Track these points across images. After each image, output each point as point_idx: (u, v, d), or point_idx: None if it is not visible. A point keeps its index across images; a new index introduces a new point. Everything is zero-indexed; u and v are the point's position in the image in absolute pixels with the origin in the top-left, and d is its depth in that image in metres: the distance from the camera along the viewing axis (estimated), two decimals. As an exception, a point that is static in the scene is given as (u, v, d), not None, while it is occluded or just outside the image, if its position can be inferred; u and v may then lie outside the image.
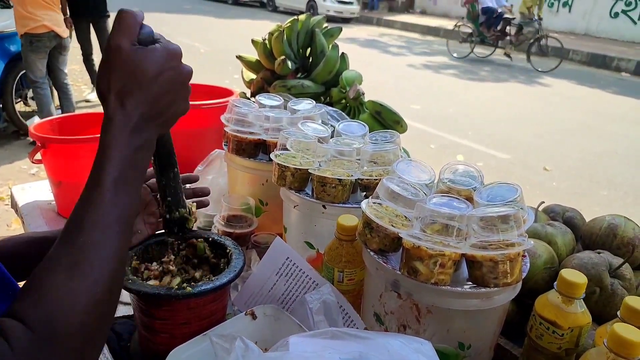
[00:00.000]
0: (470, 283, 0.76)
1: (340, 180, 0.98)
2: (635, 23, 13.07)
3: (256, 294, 0.96)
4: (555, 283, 0.82)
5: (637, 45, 12.44)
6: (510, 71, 9.73)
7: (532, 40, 10.33)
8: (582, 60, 10.93)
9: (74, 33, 5.60)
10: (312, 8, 14.98)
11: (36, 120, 4.27)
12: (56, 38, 4.40)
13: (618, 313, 0.77)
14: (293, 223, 1.10)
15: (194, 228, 1.17)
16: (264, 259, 0.96)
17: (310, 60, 1.81)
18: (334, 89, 1.71)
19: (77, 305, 0.53)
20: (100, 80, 0.61)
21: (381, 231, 0.80)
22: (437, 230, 0.75)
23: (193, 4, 16.98)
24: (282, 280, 0.94)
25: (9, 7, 4.85)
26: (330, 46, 1.78)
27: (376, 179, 1.00)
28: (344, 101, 1.67)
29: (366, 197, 1.02)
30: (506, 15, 10.56)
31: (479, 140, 5.69)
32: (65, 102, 4.77)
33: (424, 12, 17.46)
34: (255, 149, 1.22)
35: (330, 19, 1.87)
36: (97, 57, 5.96)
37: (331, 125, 1.28)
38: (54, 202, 1.57)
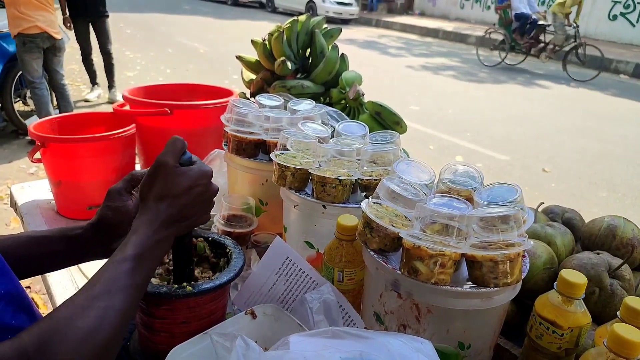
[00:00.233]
0: (470, 283, 0.76)
1: (340, 180, 0.98)
2: (633, 26, 13.10)
3: (256, 294, 0.96)
4: (556, 283, 0.82)
5: (636, 48, 12.47)
6: (509, 73, 9.74)
7: (569, 49, 9.61)
8: (580, 63, 10.94)
9: (72, 33, 5.60)
10: (311, 9, 14.98)
11: (35, 119, 4.27)
12: (50, 39, 4.36)
13: (618, 313, 0.77)
14: (293, 223, 1.10)
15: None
16: (264, 259, 0.96)
17: (310, 60, 1.81)
18: (333, 90, 1.71)
19: (74, 337, 0.59)
20: (145, 184, 0.75)
21: (381, 231, 0.80)
22: (437, 230, 0.75)
23: (192, 4, 17.00)
24: (282, 280, 0.94)
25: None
26: (330, 47, 1.78)
27: (376, 179, 1.01)
28: (343, 102, 1.67)
29: (366, 197, 1.02)
30: (541, 22, 9.91)
31: (478, 141, 5.70)
32: (63, 102, 4.76)
33: (423, 14, 17.49)
34: (255, 149, 1.22)
35: (329, 20, 1.87)
36: (96, 56, 5.96)
37: (331, 126, 1.28)
38: (54, 202, 1.57)
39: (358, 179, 1.02)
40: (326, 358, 0.60)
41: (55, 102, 4.91)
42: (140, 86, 1.85)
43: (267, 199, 1.25)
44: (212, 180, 0.80)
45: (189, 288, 0.81)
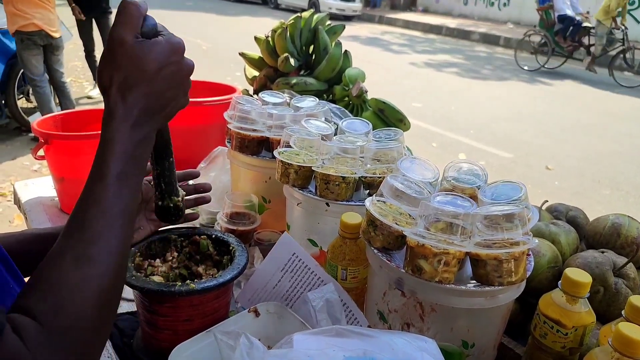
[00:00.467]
0: (474, 282, 0.76)
1: (343, 177, 0.98)
2: (638, 22, 13.01)
3: (260, 291, 0.96)
4: (560, 282, 0.81)
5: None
6: (512, 70, 9.70)
7: (615, 53, 8.83)
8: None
9: (76, 30, 5.59)
10: (314, 5, 14.93)
11: (38, 116, 4.27)
12: (47, 37, 4.33)
13: (622, 312, 0.77)
14: (296, 220, 1.10)
15: (196, 225, 1.18)
16: (270, 255, 0.96)
17: (313, 57, 1.81)
18: (337, 87, 1.71)
19: (86, 296, 0.54)
20: (102, 73, 0.60)
21: (385, 229, 0.80)
22: (441, 229, 0.75)
23: (195, 1, 16.97)
24: (287, 277, 0.94)
25: None
26: (334, 43, 1.77)
27: (380, 177, 1.00)
28: (346, 99, 1.67)
29: (370, 194, 1.02)
30: (585, 24, 9.17)
31: (481, 138, 5.69)
32: (63, 99, 4.75)
33: (426, 10, 17.42)
34: (258, 146, 1.22)
35: (332, 16, 1.87)
36: (99, 53, 5.95)
37: (334, 123, 1.28)
38: (57, 199, 1.57)
39: (361, 176, 1.02)
40: (330, 356, 0.60)
41: (57, 99, 4.91)
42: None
43: (270, 196, 1.25)
44: (184, 55, 0.66)
45: (192, 286, 0.81)
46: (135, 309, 0.93)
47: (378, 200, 0.83)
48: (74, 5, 5.20)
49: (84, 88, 6.42)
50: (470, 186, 0.91)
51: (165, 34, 0.64)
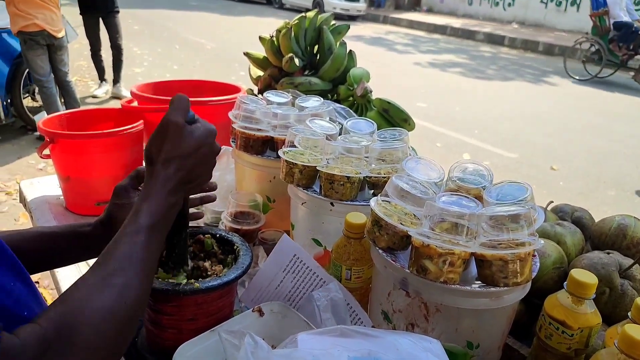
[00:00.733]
0: (479, 282, 0.75)
1: (348, 177, 0.98)
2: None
3: (263, 291, 0.96)
4: (566, 283, 0.81)
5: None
6: (517, 70, 9.66)
7: None
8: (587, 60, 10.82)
9: (81, 29, 5.61)
10: (318, 5, 14.93)
11: (44, 115, 4.29)
12: (50, 37, 4.32)
13: (629, 314, 0.76)
14: (300, 220, 1.10)
15: (201, 224, 1.18)
16: (271, 256, 0.96)
17: (318, 57, 1.81)
18: (341, 87, 1.70)
19: (93, 320, 0.57)
20: (152, 145, 0.72)
21: (390, 229, 0.80)
22: (446, 229, 0.74)
23: (199, 0, 17.01)
24: (289, 278, 0.94)
25: None
26: (338, 43, 1.77)
27: (384, 177, 1.00)
28: (351, 99, 1.66)
29: (374, 194, 1.02)
30: None
31: (486, 138, 5.67)
32: (68, 99, 4.76)
33: (430, 10, 17.38)
34: (262, 145, 1.22)
35: (336, 16, 1.86)
36: (104, 53, 5.97)
37: (339, 123, 1.28)
38: (62, 197, 1.58)
39: (366, 176, 1.02)
40: (335, 356, 0.60)
41: (62, 99, 4.92)
42: (148, 82, 1.85)
43: (275, 196, 1.25)
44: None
45: (197, 285, 0.81)
46: (140, 308, 0.93)
47: (383, 200, 0.83)
48: None
49: (89, 87, 6.44)
50: (475, 186, 0.90)
51: (200, 121, 0.75)
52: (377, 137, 1.15)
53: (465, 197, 0.81)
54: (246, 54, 1.90)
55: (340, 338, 0.64)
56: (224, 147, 1.50)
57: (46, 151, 1.47)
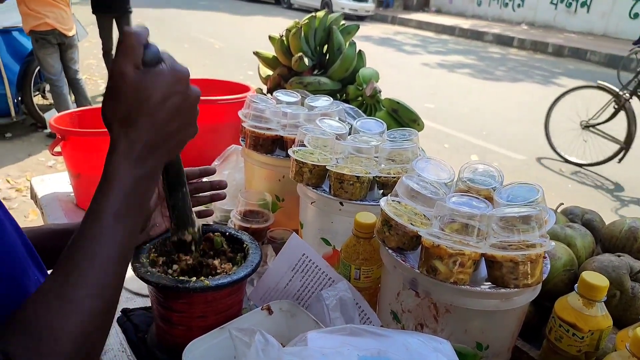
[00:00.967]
0: (488, 283, 0.75)
1: (358, 177, 0.98)
2: (655, 24, 12.80)
3: (272, 289, 0.97)
4: (576, 285, 0.81)
5: (658, 47, 12.18)
6: (526, 71, 9.60)
7: None
8: (600, 62, 10.76)
9: (91, 28, 5.64)
10: (327, 5, 14.92)
11: (54, 113, 4.32)
12: (61, 36, 4.36)
13: (640, 317, 0.76)
14: (309, 219, 1.10)
15: (210, 222, 1.18)
16: (280, 255, 0.96)
17: (327, 57, 1.81)
18: (350, 87, 1.71)
19: (63, 340, 0.51)
20: (105, 107, 0.58)
21: (400, 229, 0.80)
22: (456, 230, 0.74)
23: (209, 0, 17.07)
24: (298, 276, 0.95)
25: None
26: (348, 43, 1.77)
27: (394, 177, 1.00)
28: (360, 98, 1.67)
29: (384, 194, 1.02)
30: None
31: (494, 140, 5.65)
32: (78, 97, 4.80)
33: (439, 11, 17.32)
34: (272, 144, 1.22)
35: (344, 16, 1.86)
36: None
37: (348, 123, 1.28)
38: (73, 194, 1.59)
39: (376, 176, 1.02)
40: (344, 355, 0.60)
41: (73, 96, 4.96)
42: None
43: (284, 195, 1.25)
44: (189, 84, 0.62)
45: (207, 282, 0.82)
46: (150, 305, 0.93)
47: (393, 200, 0.83)
48: None
49: (98, 86, 6.49)
50: (485, 187, 0.90)
51: (168, 61, 0.60)
52: (386, 137, 1.15)
53: (476, 197, 0.81)
54: (256, 53, 1.90)
55: (350, 337, 0.64)
56: (233, 146, 1.51)
57: (57, 148, 1.48)
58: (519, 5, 14.98)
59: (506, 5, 15.32)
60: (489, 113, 6.60)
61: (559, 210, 1.23)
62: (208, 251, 0.97)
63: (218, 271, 0.90)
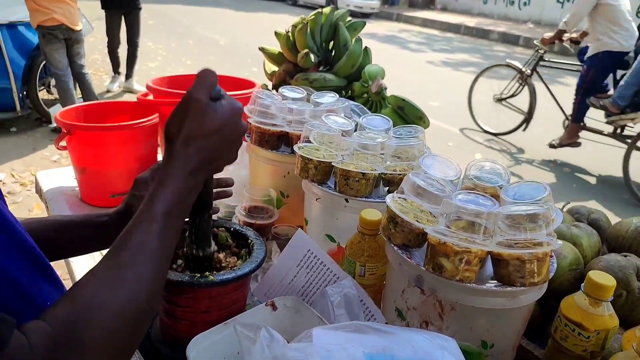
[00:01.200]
0: (494, 281, 0.75)
1: (364, 174, 0.97)
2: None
3: (276, 285, 0.97)
4: (583, 285, 0.80)
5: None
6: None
7: None
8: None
9: (96, 23, 5.63)
10: (332, 2, 14.90)
11: (59, 108, 4.33)
12: (68, 31, 4.36)
13: (647, 317, 0.76)
14: (314, 216, 1.10)
15: (215, 218, 1.18)
16: (285, 251, 0.96)
17: (333, 53, 1.80)
18: (356, 83, 1.70)
19: (104, 317, 0.54)
20: (172, 123, 0.67)
21: (406, 226, 0.79)
22: (462, 227, 0.74)
23: (214, -4, 17.05)
24: (303, 273, 0.94)
25: None
26: (354, 40, 1.77)
27: (400, 174, 1.00)
28: (365, 95, 1.66)
29: (389, 192, 1.01)
30: None
31: (498, 139, 5.63)
32: (84, 91, 4.80)
33: (444, 9, 17.25)
34: (277, 141, 1.22)
35: (350, 13, 1.86)
36: (121, 51, 5.99)
37: (353, 120, 1.27)
38: (78, 189, 1.59)
39: (381, 173, 1.01)
40: (349, 352, 0.60)
41: (77, 91, 4.97)
42: (164, 76, 1.86)
43: (289, 191, 1.25)
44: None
45: (212, 278, 0.82)
46: (154, 299, 0.93)
47: (399, 197, 0.83)
48: None
49: (103, 81, 6.49)
50: (492, 185, 0.90)
51: (226, 97, 0.71)
52: (392, 134, 1.14)
53: (482, 195, 0.80)
54: (261, 49, 1.90)
55: (355, 334, 0.64)
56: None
57: (63, 142, 1.48)
58: (525, 4, 14.89)
59: (512, 3, 15.23)
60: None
61: (565, 209, 1.22)
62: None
63: (223, 264, 0.90)
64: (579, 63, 5.00)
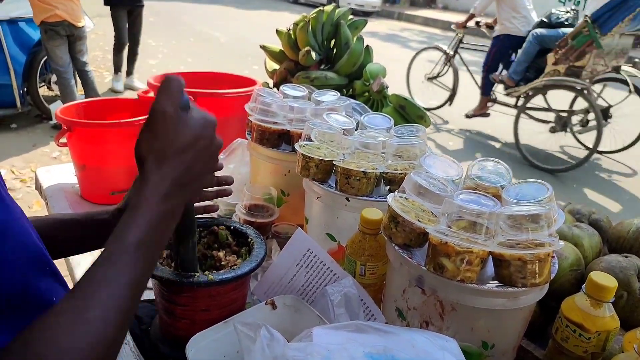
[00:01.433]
0: (495, 282, 0.74)
1: (365, 173, 0.97)
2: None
3: (276, 284, 0.96)
4: (584, 286, 0.80)
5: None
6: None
7: None
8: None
9: (98, 19, 5.62)
10: (333, 0, 14.87)
11: (59, 104, 4.32)
12: (70, 27, 4.36)
13: (648, 319, 0.75)
14: (315, 214, 1.10)
15: (215, 216, 1.18)
16: (285, 250, 0.96)
17: (335, 52, 1.80)
18: (357, 82, 1.70)
19: (69, 357, 0.50)
20: (141, 142, 0.61)
21: (407, 226, 0.79)
22: (463, 227, 0.74)
23: (214, -7, 17.01)
24: (303, 272, 0.94)
25: None
26: (355, 38, 1.76)
27: (401, 173, 0.99)
28: (367, 94, 1.65)
29: (390, 191, 1.01)
30: None
31: (498, 138, 5.62)
32: (86, 88, 4.80)
33: (446, 8, 17.21)
34: (278, 139, 1.22)
35: (351, 12, 1.85)
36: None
37: (354, 119, 1.27)
38: (78, 186, 1.59)
39: (382, 172, 1.01)
40: (350, 352, 0.59)
41: (79, 88, 4.95)
42: (165, 73, 1.86)
43: (289, 189, 1.24)
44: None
45: (211, 277, 0.81)
46: (154, 297, 0.93)
47: (400, 197, 0.82)
48: None
49: (104, 78, 6.48)
50: (493, 185, 0.89)
51: (194, 108, 0.65)
52: (394, 133, 1.14)
53: (484, 195, 0.80)
54: (262, 47, 1.89)
55: (355, 333, 0.64)
56: (239, 140, 1.50)
57: (63, 139, 1.48)
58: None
59: (513, 2, 15.19)
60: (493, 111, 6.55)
61: (565, 209, 1.22)
62: (212, 244, 0.97)
63: (222, 263, 0.90)
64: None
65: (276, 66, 1.87)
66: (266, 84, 1.84)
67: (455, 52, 6.16)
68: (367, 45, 1.76)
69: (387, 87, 1.61)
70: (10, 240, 0.59)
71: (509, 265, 0.72)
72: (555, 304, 0.87)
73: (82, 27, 4.49)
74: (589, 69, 4.66)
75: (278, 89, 1.41)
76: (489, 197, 0.79)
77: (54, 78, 4.92)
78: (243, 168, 1.42)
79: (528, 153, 4.94)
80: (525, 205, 0.77)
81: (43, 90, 5.15)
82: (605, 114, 4.92)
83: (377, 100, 1.63)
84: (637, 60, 5.10)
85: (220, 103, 1.64)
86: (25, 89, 4.79)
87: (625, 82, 4.74)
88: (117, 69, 6.05)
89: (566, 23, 5.03)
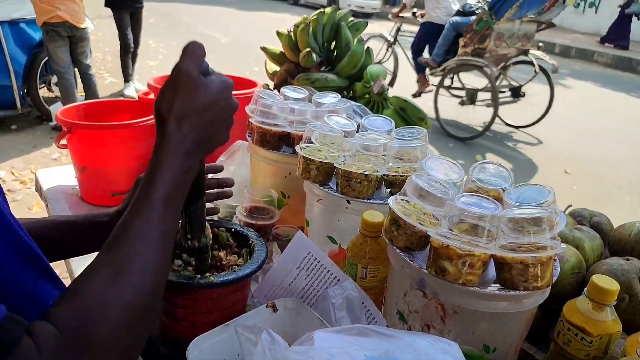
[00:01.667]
0: (497, 285, 0.74)
1: (366, 175, 0.97)
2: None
3: (276, 287, 0.96)
4: (586, 289, 0.80)
5: (666, 49, 12.10)
6: (530, 72, 9.53)
7: None
8: (606, 63, 10.69)
9: (97, 21, 5.61)
10: (334, 2, 14.88)
11: (59, 106, 4.33)
12: (72, 29, 4.36)
13: (651, 322, 0.75)
14: (316, 217, 1.09)
15: (215, 218, 1.18)
16: (285, 253, 0.95)
17: (335, 53, 1.80)
18: (357, 84, 1.70)
19: (111, 314, 0.53)
20: (161, 101, 0.63)
21: (408, 229, 0.79)
22: (464, 230, 0.73)
23: (215, -5, 17.02)
24: (303, 275, 0.94)
25: None
26: (356, 40, 1.76)
27: (402, 176, 0.99)
28: (367, 96, 1.65)
29: (391, 193, 1.01)
30: None
31: (498, 140, 5.62)
32: (88, 91, 4.79)
33: (446, 9, 17.23)
34: (279, 141, 1.21)
35: (351, 13, 1.85)
36: (117, 46, 5.96)
37: (355, 121, 1.27)
38: (78, 187, 1.59)
39: (383, 174, 1.01)
40: (351, 355, 0.59)
41: (80, 89, 4.95)
42: (165, 75, 1.85)
43: (290, 191, 1.24)
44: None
45: (212, 279, 0.81)
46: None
47: (402, 199, 0.82)
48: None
49: (104, 79, 6.48)
50: (495, 188, 0.89)
51: (215, 73, 0.69)
52: (395, 136, 1.13)
53: (485, 198, 0.79)
54: (263, 49, 1.89)
55: (357, 337, 0.64)
56: (239, 142, 1.50)
57: (63, 141, 1.48)
58: (526, 5, 14.88)
59: (513, 4, 15.22)
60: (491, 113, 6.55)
61: (566, 212, 1.22)
62: (213, 246, 0.97)
63: (223, 263, 0.90)
64: None
65: (277, 68, 1.87)
66: (267, 86, 1.84)
67: (395, 39, 6.89)
68: (368, 47, 1.76)
69: (387, 89, 1.61)
70: None
71: (510, 268, 0.71)
72: (557, 307, 0.87)
73: (84, 28, 4.49)
74: (491, 50, 5.45)
75: (278, 91, 1.41)
76: (490, 200, 0.79)
77: (54, 79, 4.92)
78: (243, 170, 1.41)
79: (444, 124, 5.72)
80: (527, 208, 0.77)
81: (43, 92, 5.15)
82: (517, 91, 5.98)
83: (377, 102, 1.63)
84: (541, 44, 6.02)
85: (221, 105, 1.64)
86: (25, 90, 4.78)
87: (532, 64, 5.61)
88: (126, 77, 5.93)
89: (477, 12, 5.69)
